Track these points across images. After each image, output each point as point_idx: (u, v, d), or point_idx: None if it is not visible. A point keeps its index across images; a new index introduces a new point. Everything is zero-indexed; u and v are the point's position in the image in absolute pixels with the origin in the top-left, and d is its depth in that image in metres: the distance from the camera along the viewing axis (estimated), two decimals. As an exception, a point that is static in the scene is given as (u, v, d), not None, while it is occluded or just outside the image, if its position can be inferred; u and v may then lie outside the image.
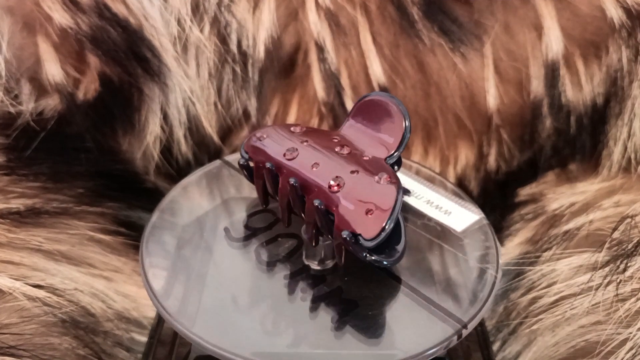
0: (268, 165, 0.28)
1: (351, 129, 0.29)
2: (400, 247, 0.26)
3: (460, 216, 0.31)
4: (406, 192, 0.31)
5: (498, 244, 0.30)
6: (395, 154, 0.27)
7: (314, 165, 0.27)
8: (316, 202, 0.26)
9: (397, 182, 0.25)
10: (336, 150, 0.27)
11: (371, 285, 0.28)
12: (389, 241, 0.25)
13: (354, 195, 0.26)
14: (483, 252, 0.29)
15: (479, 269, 0.28)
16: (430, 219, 0.31)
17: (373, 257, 0.25)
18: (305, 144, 0.28)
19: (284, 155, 0.28)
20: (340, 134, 0.29)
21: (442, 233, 0.30)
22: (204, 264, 0.29)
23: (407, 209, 0.31)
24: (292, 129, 0.30)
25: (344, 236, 0.25)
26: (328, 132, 0.30)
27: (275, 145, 0.29)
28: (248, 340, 0.25)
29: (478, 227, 0.30)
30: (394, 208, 0.25)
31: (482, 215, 0.31)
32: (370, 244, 0.25)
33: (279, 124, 0.31)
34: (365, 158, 0.27)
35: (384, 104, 0.28)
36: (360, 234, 0.25)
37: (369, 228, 0.25)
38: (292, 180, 0.27)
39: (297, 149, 0.28)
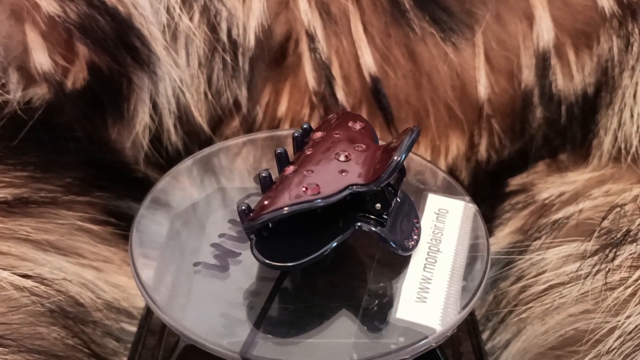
0: (296, 134, 0.29)
1: (382, 148, 0.28)
2: (293, 262, 0.25)
3: (424, 314, 0.25)
4: (403, 248, 0.27)
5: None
6: (363, 186, 0.26)
7: (309, 149, 0.28)
8: (264, 173, 0.26)
9: (309, 197, 0.25)
10: (336, 152, 0.27)
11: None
12: (299, 251, 0.25)
13: (283, 186, 0.26)
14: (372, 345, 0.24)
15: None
16: (393, 287, 0.27)
17: (254, 246, 0.25)
18: (335, 135, 0.28)
19: (316, 135, 0.29)
20: (375, 146, 0.28)
21: (381, 304, 0.26)
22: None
23: (399, 264, 0.27)
24: (350, 123, 0.29)
25: (241, 207, 0.25)
26: (364, 141, 0.29)
27: (327, 125, 0.29)
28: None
29: (417, 337, 0.25)
30: (275, 210, 0.25)
31: (438, 334, 0.25)
32: (245, 225, 0.25)
33: (353, 113, 0.31)
34: (339, 171, 0.26)
35: (402, 137, 0.27)
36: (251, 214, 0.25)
37: (254, 212, 0.25)
38: (279, 150, 0.28)
39: (325, 135, 0.28)
